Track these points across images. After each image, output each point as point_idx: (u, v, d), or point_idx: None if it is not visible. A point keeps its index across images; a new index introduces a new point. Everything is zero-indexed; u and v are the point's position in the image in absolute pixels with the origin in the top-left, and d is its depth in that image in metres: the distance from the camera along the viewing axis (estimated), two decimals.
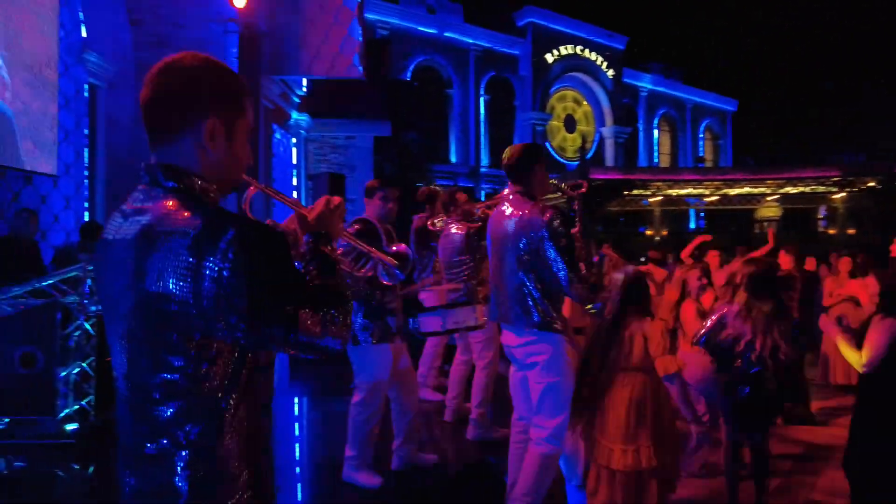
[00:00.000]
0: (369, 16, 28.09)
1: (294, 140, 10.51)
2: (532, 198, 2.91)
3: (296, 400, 6.18)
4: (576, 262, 2.72)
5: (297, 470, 4.37)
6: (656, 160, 39.20)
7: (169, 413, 1.10)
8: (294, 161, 10.52)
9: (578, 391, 2.91)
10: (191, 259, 1.04)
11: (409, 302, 4.68)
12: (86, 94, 7.47)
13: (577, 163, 31.67)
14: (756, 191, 20.04)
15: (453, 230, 4.59)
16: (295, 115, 10.34)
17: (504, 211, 2.97)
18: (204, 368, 1.11)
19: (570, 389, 2.86)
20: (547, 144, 33.74)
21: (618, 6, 36.07)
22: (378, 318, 3.62)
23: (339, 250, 2.72)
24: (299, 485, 4.07)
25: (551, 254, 2.71)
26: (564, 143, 35.36)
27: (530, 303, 2.82)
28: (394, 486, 3.71)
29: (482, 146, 31.45)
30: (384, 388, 3.71)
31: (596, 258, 2.90)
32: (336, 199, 1.47)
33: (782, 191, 20.25)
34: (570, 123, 35.95)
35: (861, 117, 34.41)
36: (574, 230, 2.86)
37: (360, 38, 8.45)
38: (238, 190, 1.45)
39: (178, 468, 1.10)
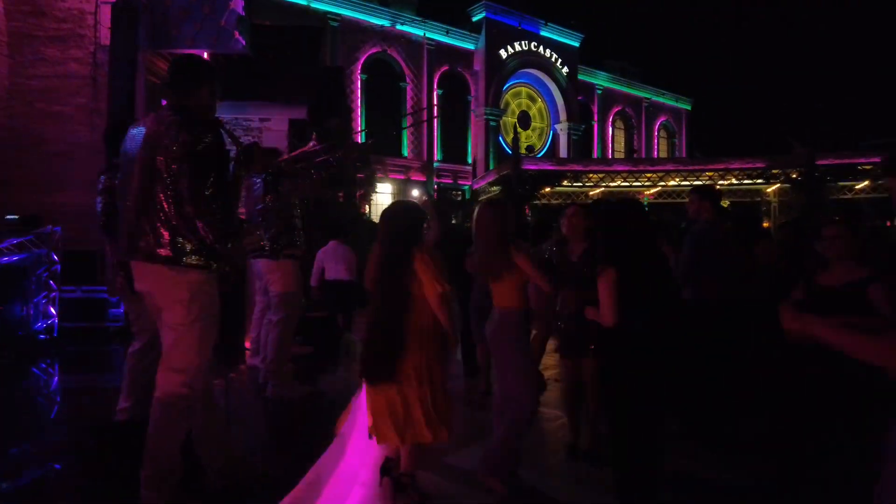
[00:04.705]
0: (320, 6, 28.04)
1: None
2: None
3: None
4: None
5: None
6: (611, 157, 39.75)
7: None
8: None
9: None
10: None
11: None
12: None
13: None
14: (686, 183, 20.47)
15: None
16: None
17: None
18: None
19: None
20: (500, 139, 34.04)
21: (574, 3, 36.50)
22: None
23: None
24: None
25: None
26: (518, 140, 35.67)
27: None
28: None
29: (435, 140, 31.59)
30: None
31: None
32: None
33: (707, 183, 20.71)
34: (524, 120, 36.29)
35: (820, 113, 35.09)
36: None
37: (243, 13, 8.49)
38: None
39: None
